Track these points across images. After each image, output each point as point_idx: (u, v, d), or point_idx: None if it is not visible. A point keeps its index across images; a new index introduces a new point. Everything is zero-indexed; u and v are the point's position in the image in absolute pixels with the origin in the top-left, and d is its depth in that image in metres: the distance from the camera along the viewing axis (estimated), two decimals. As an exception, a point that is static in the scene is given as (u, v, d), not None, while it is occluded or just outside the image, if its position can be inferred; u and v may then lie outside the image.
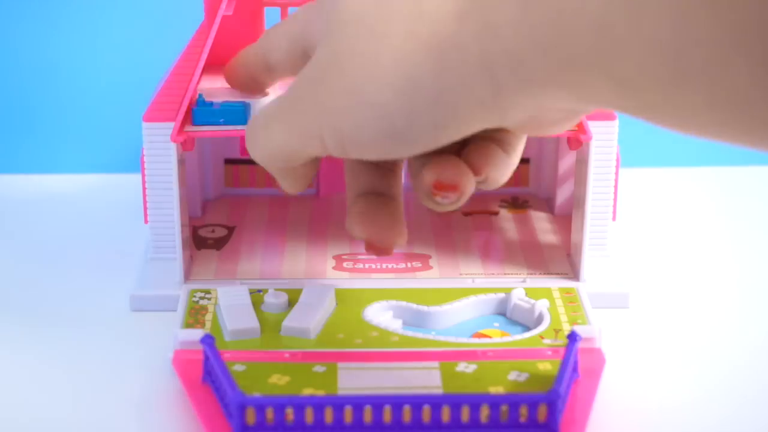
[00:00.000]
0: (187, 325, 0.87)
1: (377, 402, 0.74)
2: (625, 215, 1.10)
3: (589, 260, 0.95)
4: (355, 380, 0.80)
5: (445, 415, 0.74)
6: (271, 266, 0.97)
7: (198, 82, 0.93)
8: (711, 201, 1.15)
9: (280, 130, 0.73)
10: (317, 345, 0.85)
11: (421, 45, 0.65)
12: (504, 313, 0.91)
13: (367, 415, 0.74)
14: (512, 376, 0.80)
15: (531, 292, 0.91)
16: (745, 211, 1.13)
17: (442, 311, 0.89)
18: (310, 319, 0.86)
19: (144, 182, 0.94)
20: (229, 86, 0.92)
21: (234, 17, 1.00)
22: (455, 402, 0.74)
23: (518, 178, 1.11)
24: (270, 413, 0.74)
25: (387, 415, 0.74)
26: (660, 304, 0.95)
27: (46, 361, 0.86)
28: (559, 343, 0.85)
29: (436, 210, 0.74)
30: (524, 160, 1.11)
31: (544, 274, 0.96)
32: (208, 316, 0.88)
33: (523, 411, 0.74)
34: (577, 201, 0.96)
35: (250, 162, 1.10)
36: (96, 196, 1.16)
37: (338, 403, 0.74)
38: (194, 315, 0.88)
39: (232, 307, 0.88)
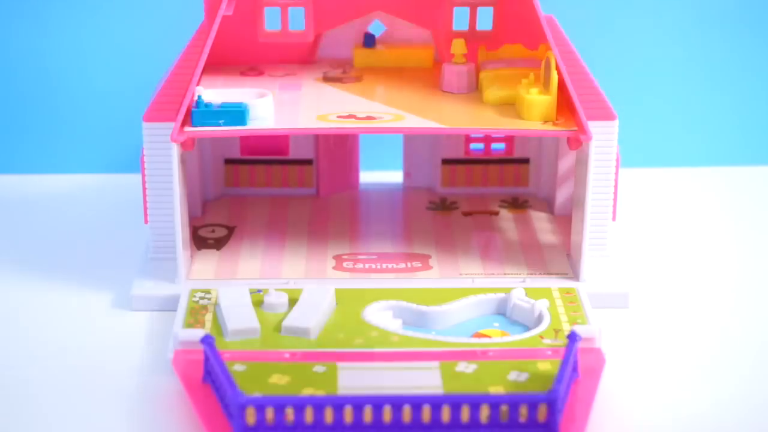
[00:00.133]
0: (188, 325, 0.87)
1: (377, 402, 0.74)
2: (625, 215, 1.10)
3: (589, 260, 0.95)
4: (355, 380, 0.80)
5: (445, 415, 0.74)
6: (271, 266, 0.97)
7: (198, 83, 0.93)
8: (711, 201, 1.15)
9: None
10: (317, 345, 0.85)
11: None
12: (504, 313, 0.91)
13: (367, 415, 0.74)
14: (512, 376, 0.80)
15: (531, 292, 0.91)
16: (745, 211, 1.13)
17: (442, 311, 0.89)
18: (310, 319, 0.86)
19: (144, 182, 0.94)
20: (229, 87, 0.92)
21: (234, 17, 1.00)
22: (455, 402, 0.74)
23: (518, 178, 1.11)
24: (270, 413, 0.74)
25: (387, 415, 0.74)
26: (659, 304, 0.95)
27: (45, 361, 0.86)
28: (559, 343, 0.85)
29: None
30: (524, 160, 1.11)
31: (544, 274, 0.96)
32: (208, 316, 0.88)
33: (523, 411, 0.74)
34: (577, 201, 0.96)
35: (250, 162, 1.11)
36: (96, 196, 1.16)
37: (338, 403, 0.74)
38: (194, 315, 0.89)
39: (232, 307, 0.88)
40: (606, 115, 0.93)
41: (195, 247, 1.00)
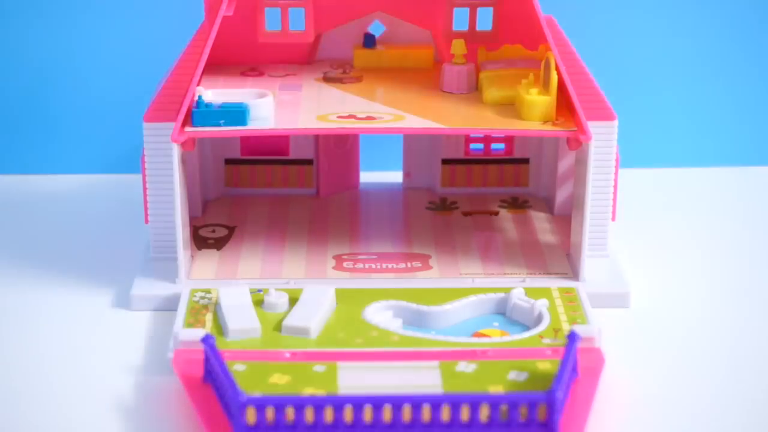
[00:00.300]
0: (188, 324, 0.87)
1: (377, 402, 0.74)
2: (625, 215, 1.10)
3: (589, 260, 0.95)
4: (355, 380, 0.80)
5: (445, 414, 0.74)
6: (271, 266, 0.97)
7: (198, 83, 0.93)
8: (711, 201, 1.15)
9: None
10: (317, 345, 0.85)
11: None
12: (504, 312, 0.91)
13: (367, 415, 0.74)
14: (512, 375, 0.80)
15: (530, 292, 0.91)
16: (745, 211, 1.13)
17: (441, 311, 0.89)
18: (310, 318, 0.86)
19: (144, 182, 0.94)
20: (229, 87, 0.92)
21: (234, 17, 1.00)
22: (455, 401, 0.74)
23: (518, 178, 1.12)
24: (270, 413, 0.74)
25: (387, 414, 0.74)
26: (659, 304, 0.95)
27: (45, 361, 0.86)
28: (558, 342, 0.85)
29: None
30: (524, 160, 1.11)
31: (544, 274, 0.96)
32: (209, 316, 0.88)
33: (523, 411, 0.75)
34: (577, 201, 0.96)
35: (250, 162, 1.11)
36: (96, 196, 1.16)
37: (338, 403, 0.74)
38: (194, 315, 0.89)
39: (233, 306, 0.88)
40: (606, 115, 0.93)
41: (195, 247, 1.00)
